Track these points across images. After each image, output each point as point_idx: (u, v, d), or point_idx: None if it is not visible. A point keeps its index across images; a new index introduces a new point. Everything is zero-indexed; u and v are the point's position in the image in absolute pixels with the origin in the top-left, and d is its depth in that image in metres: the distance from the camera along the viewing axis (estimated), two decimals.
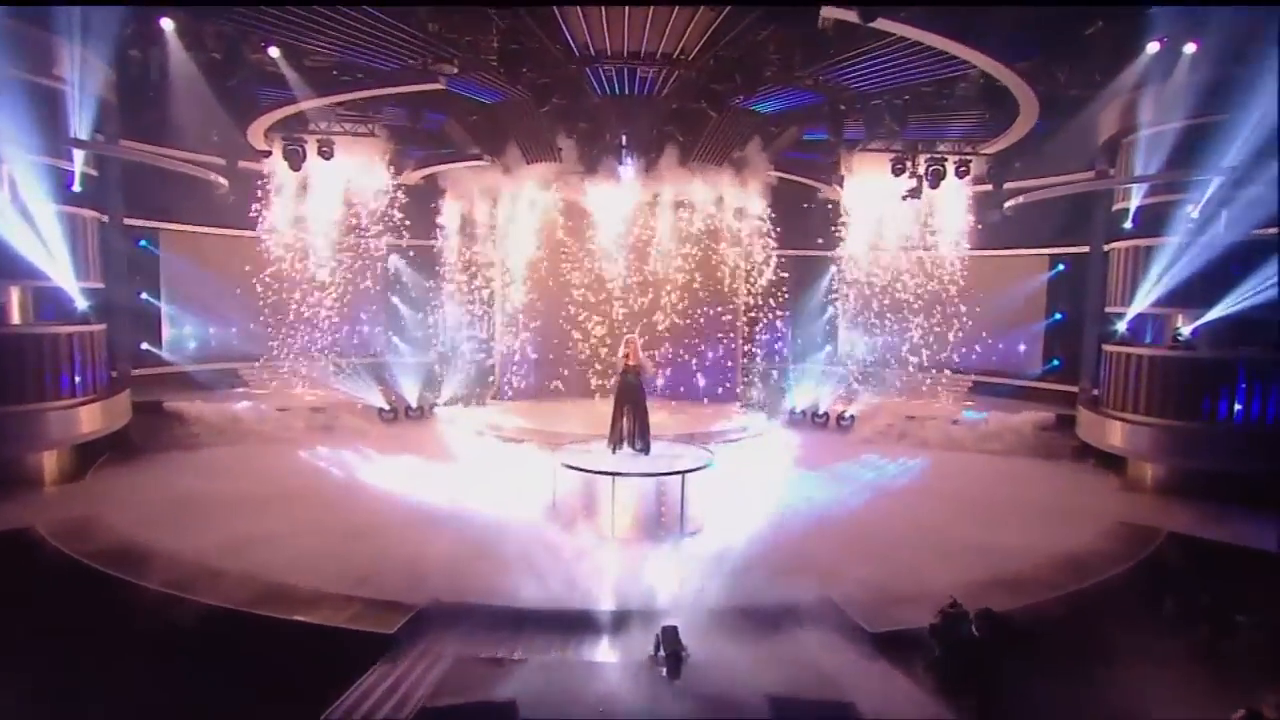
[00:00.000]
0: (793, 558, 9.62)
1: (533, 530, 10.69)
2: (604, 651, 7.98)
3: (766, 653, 7.68)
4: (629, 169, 15.80)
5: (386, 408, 17.28)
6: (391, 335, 19.54)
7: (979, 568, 9.26)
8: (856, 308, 18.78)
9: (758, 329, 19.13)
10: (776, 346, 19.70)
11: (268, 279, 17.18)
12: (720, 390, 18.59)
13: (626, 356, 11.87)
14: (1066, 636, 7.88)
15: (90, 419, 12.75)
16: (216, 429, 15.00)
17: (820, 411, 17.62)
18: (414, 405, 17.61)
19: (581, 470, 11.20)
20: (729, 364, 18.76)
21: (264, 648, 7.42)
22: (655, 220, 17.79)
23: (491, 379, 18.60)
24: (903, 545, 10.10)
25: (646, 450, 11.87)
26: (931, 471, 14.07)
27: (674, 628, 7.77)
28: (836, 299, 19.46)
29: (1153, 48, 11.76)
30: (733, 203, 17.49)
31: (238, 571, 8.71)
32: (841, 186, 17.56)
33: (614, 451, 11.86)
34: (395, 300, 19.50)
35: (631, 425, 11.96)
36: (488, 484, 12.56)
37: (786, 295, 18.96)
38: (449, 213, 18.18)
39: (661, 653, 7.52)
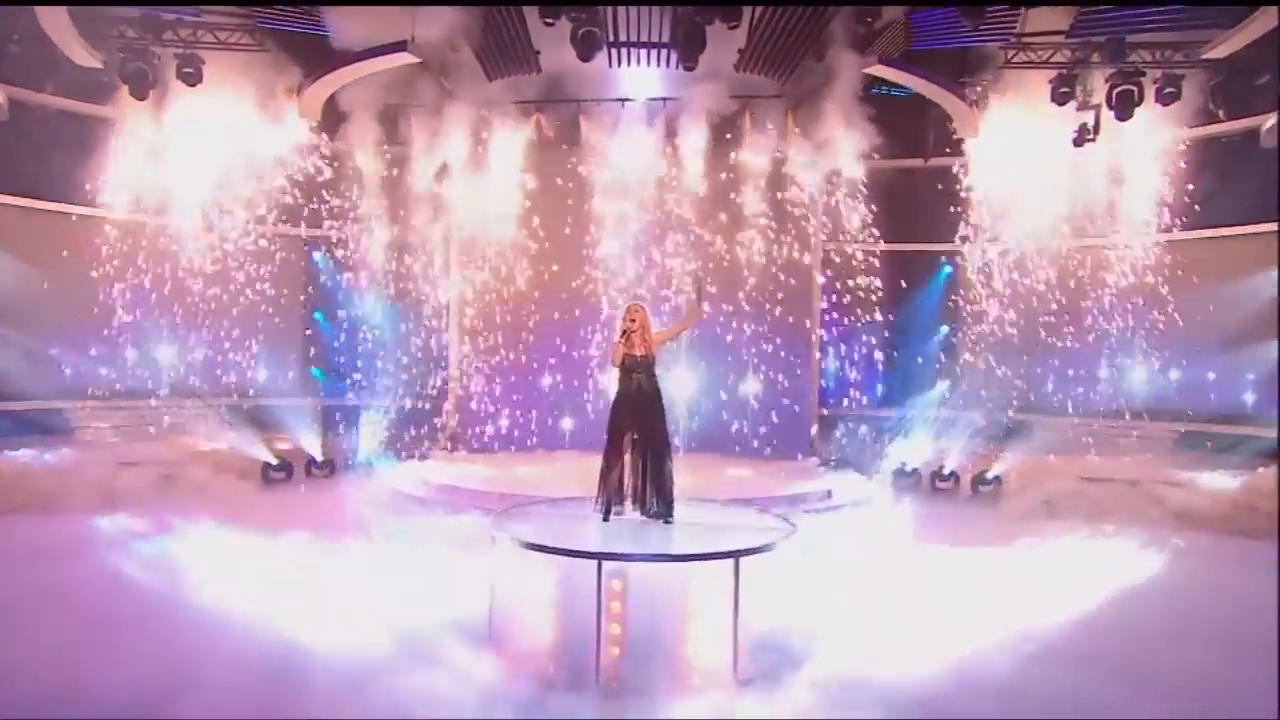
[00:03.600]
0: None
1: (450, 675, 6.11)
2: None
3: None
4: (645, 85, 12.30)
5: (275, 462, 13.12)
6: (310, 367, 15.54)
7: None
8: (990, 324, 14.36)
9: (839, 353, 15.08)
10: (867, 379, 15.43)
11: (112, 279, 13.29)
12: (788, 438, 14.41)
13: (627, 335, 7.29)
14: None
15: None
16: None
17: (946, 471, 13.37)
18: (319, 458, 13.57)
19: (544, 550, 6.54)
20: (800, 402, 14.65)
21: None
22: (684, 179, 13.85)
23: (440, 420, 14.71)
24: None
25: (667, 514, 7.23)
26: (1195, 574, 9.12)
27: None
28: (958, 312, 15.07)
29: None
30: (804, 153, 13.51)
31: None
32: (978, 108, 13.01)
33: (606, 516, 7.25)
34: (317, 317, 15.53)
35: (639, 469, 7.30)
36: (401, 583, 8.12)
37: (881, 307, 14.87)
38: (366, 163, 14.22)
39: None
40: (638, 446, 7.29)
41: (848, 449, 14.20)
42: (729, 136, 13.59)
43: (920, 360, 15.32)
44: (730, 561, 6.28)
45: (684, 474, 8.54)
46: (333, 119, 13.80)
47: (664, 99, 12.94)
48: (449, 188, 14.10)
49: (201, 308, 14.00)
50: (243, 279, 14.26)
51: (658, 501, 7.26)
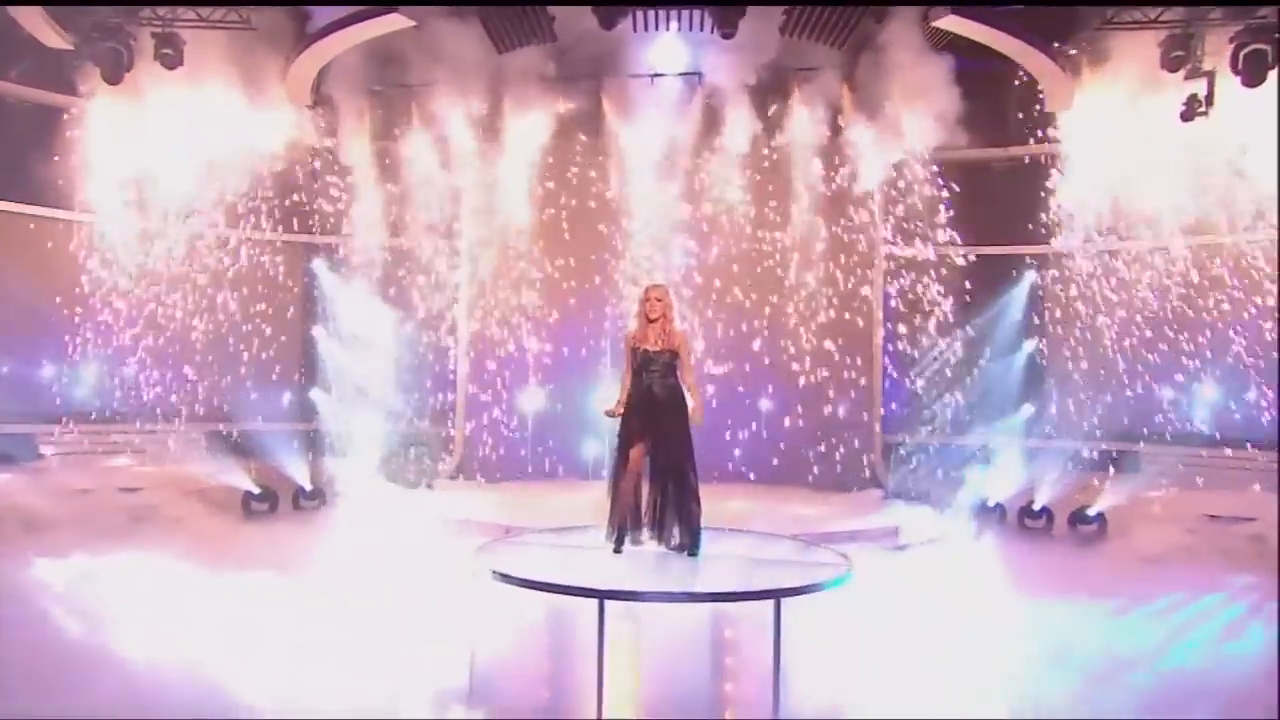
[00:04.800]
0: None
1: None
2: None
3: None
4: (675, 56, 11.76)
5: (257, 491, 12.68)
6: (303, 387, 14.97)
7: None
8: (1087, 337, 13.56)
9: (905, 370, 14.26)
10: (940, 401, 14.45)
11: (89, 291, 12.87)
12: (846, 467, 13.69)
13: (648, 324, 6.52)
14: None
15: None
16: None
17: (1036, 507, 12.55)
18: (308, 487, 13.18)
19: (534, 586, 5.81)
20: (860, 425, 13.87)
21: None
22: (723, 167, 13.24)
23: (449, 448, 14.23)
24: None
25: (693, 546, 6.44)
26: None
27: None
28: (1046, 324, 14.20)
29: None
30: (863, 137, 12.72)
31: None
32: (1072, 75, 12.08)
33: (618, 547, 6.48)
34: (316, 334, 14.98)
35: (657, 490, 6.55)
36: (376, 629, 7.52)
37: (955, 317, 14.05)
38: (364, 159, 13.73)
39: None
40: (655, 462, 6.54)
41: (917, 480, 13.49)
42: (774, 116, 12.95)
43: (1002, 379, 14.33)
44: (770, 604, 5.51)
45: (718, 504, 7.79)
46: (328, 113, 13.48)
47: (698, 74, 12.34)
48: (456, 185, 13.70)
49: (182, 321, 13.57)
50: (229, 290, 13.87)
51: (681, 530, 6.47)
